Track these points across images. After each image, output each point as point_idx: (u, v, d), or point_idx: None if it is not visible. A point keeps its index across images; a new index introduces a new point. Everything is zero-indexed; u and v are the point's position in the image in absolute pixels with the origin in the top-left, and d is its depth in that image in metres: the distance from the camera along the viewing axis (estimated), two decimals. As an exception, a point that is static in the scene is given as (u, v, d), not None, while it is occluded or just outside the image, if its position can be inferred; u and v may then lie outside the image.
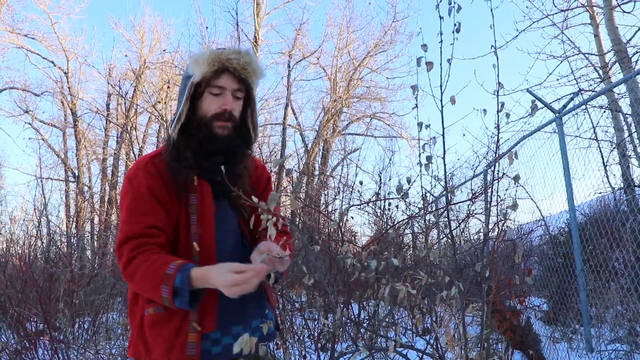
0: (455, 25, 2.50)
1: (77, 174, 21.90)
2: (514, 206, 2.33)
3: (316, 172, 20.42)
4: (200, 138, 1.70)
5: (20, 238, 10.29)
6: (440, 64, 2.45)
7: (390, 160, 16.78)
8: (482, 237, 2.70)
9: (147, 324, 1.63)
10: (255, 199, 1.50)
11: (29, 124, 22.03)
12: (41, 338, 5.07)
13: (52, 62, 22.30)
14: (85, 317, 5.88)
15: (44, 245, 8.75)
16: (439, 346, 2.49)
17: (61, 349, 4.75)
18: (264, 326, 1.65)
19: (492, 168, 2.66)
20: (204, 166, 1.71)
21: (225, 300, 1.57)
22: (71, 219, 19.53)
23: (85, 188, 22.02)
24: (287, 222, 1.72)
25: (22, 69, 37.98)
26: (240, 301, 1.54)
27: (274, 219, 1.51)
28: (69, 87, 22.34)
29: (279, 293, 4.37)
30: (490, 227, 2.73)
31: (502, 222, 2.69)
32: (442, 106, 2.49)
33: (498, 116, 2.57)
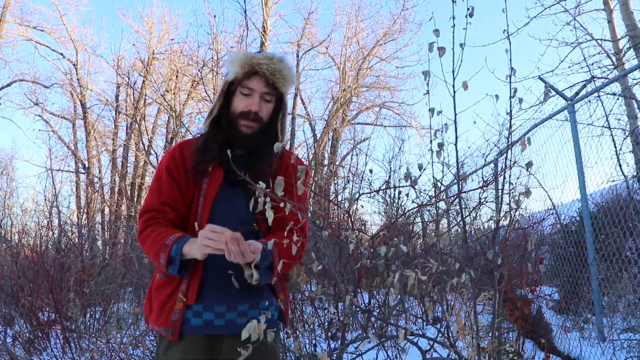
0: (468, 9, 2.46)
1: (87, 165, 22.02)
2: (527, 193, 2.30)
3: (325, 162, 20.39)
4: (227, 132, 1.85)
5: (32, 229, 10.39)
6: (453, 49, 2.41)
7: (400, 149, 16.70)
8: (493, 225, 2.67)
9: (154, 287, 1.86)
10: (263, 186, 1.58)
11: (39, 116, 22.17)
12: (53, 327, 5.11)
13: (61, 54, 22.41)
14: (96, 307, 5.91)
15: (55, 236, 8.81)
16: (450, 334, 2.47)
17: (73, 338, 4.79)
18: (263, 316, 1.67)
19: (505, 155, 2.63)
20: (225, 155, 1.78)
21: (210, 280, 1.77)
22: (82, 210, 19.68)
23: (96, 179, 22.14)
24: (306, 217, 1.78)
25: (31, 61, 38.26)
26: (224, 283, 1.74)
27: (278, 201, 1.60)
28: (78, 79, 22.43)
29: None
30: (502, 215, 2.69)
31: (515, 209, 2.66)
32: (454, 92, 2.45)
33: (511, 102, 2.53)
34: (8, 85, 21.48)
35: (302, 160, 2.04)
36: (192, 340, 1.77)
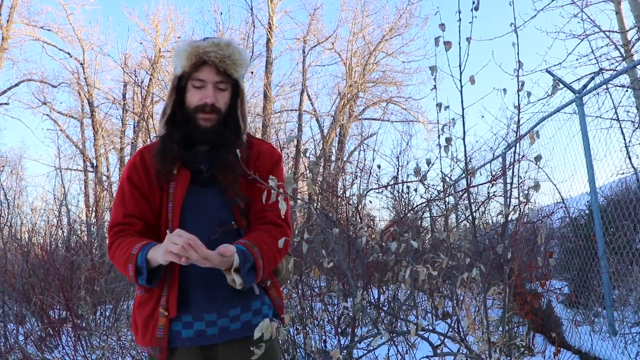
0: (473, 3, 2.44)
1: (95, 164, 22.14)
2: (536, 187, 2.29)
3: (333, 158, 20.38)
4: (186, 130, 1.76)
5: (41, 228, 10.44)
6: (459, 43, 2.40)
7: (407, 144, 16.68)
8: (502, 220, 2.66)
9: (135, 304, 1.79)
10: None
11: (47, 115, 22.30)
12: (64, 325, 5.15)
13: (69, 53, 22.52)
14: (106, 305, 5.95)
15: (65, 235, 8.84)
16: (460, 329, 2.46)
17: (84, 336, 4.82)
18: (258, 330, 1.64)
19: (513, 149, 2.62)
20: (188, 156, 1.75)
21: (196, 288, 1.69)
22: (90, 208, 19.77)
23: (104, 177, 22.25)
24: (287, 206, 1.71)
25: (39, 61, 38.36)
26: (210, 289, 1.68)
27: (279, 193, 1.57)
28: (85, 78, 22.54)
29: (298, 278, 4.38)
30: (511, 209, 2.69)
31: (524, 203, 2.65)
32: (461, 86, 2.44)
33: (519, 95, 2.52)
34: (16, 85, 21.62)
35: (275, 147, 1.97)
36: (184, 355, 1.71)
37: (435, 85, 2.39)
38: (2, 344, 4.86)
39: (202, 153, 1.77)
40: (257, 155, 1.83)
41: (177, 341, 1.69)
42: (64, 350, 4.87)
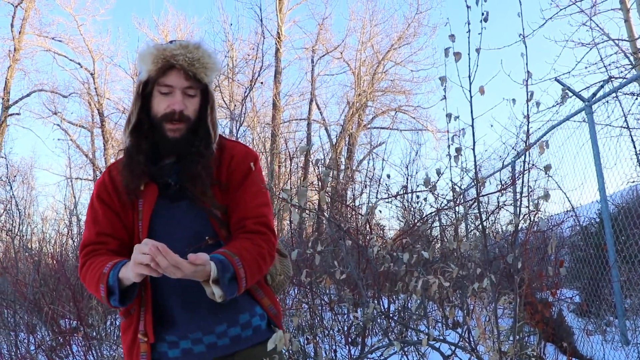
0: (482, 14, 2.46)
1: (104, 174, 22.21)
2: (546, 196, 2.29)
3: (342, 167, 20.40)
4: (152, 140, 1.64)
5: (52, 237, 10.52)
6: (469, 54, 2.42)
7: (417, 153, 16.67)
8: (512, 229, 2.66)
9: (121, 330, 1.68)
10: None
11: (58, 125, 22.47)
12: (75, 334, 5.17)
13: (79, 63, 22.70)
14: (116, 314, 5.97)
15: (75, 244, 8.90)
16: (471, 339, 2.46)
17: (94, 346, 4.84)
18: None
19: (523, 158, 2.62)
20: (155, 169, 1.64)
21: (176, 306, 1.58)
22: (101, 218, 19.83)
23: (114, 187, 22.31)
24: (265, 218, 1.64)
25: (50, 72, 38.68)
26: (192, 306, 1.57)
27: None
28: (95, 88, 22.71)
29: (308, 288, 4.38)
30: (521, 218, 2.69)
31: (534, 212, 2.65)
32: (471, 97, 2.45)
33: (528, 105, 2.53)
34: (28, 95, 21.80)
35: (250, 147, 1.83)
36: None
37: (444, 96, 2.41)
38: (13, 353, 4.89)
39: (169, 165, 1.66)
40: (229, 159, 1.70)
41: None
42: (75, 360, 4.89)
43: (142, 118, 1.64)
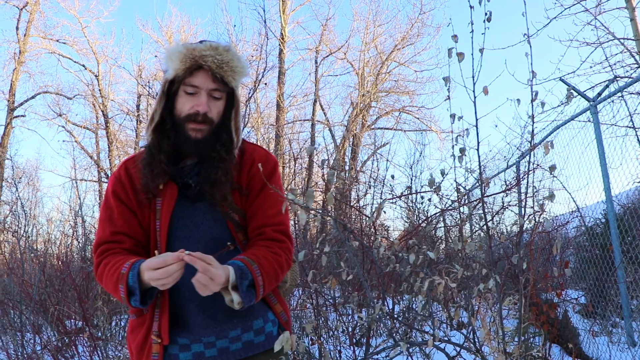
0: (486, 14, 2.45)
1: (109, 175, 22.31)
2: (551, 197, 2.29)
3: (346, 167, 20.38)
4: (174, 140, 1.61)
5: (57, 238, 10.54)
6: (472, 54, 2.41)
7: (421, 153, 16.64)
8: (517, 229, 2.65)
9: (128, 329, 1.67)
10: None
11: (63, 126, 22.55)
12: (80, 335, 5.19)
13: (83, 65, 22.77)
14: (122, 315, 5.98)
15: (81, 245, 8.92)
16: (476, 340, 2.46)
17: (99, 346, 4.85)
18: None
19: (528, 158, 2.61)
20: (175, 170, 1.63)
21: (190, 309, 1.57)
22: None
23: (119, 188, 22.36)
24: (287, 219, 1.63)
25: (54, 74, 39.03)
26: (207, 310, 1.56)
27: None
28: (99, 90, 22.78)
29: (313, 289, 4.38)
30: (526, 218, 2.68)
31: (539, 213, 2.64)
32: (474, 97, 2.45)
33: (532, 105, 2.53)
34: (32, 97, 21.91)
35: (270, 152, 1.79)
36: None
37: (449, 96, 2.40)
38: (20, 353, 4.90)
39: (189, 166, 1.64)
40: (250, 164, 1.68)
41: None
42: (81, 360, 4.90)
43: (165, 117, 1.62)
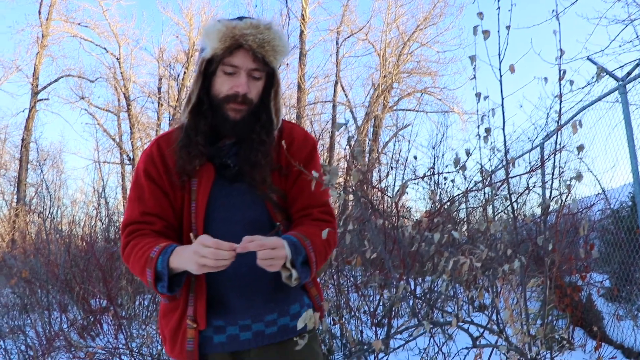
0: (513, -10, 2.39)
1: (132, 157, 22.57)
2: (579, 177, 2.24)
3: (367, 149, 20.32)
4: (212, 121, 1.56)
5: (82, 220, 10.72)
6: (498, 32, 2.36)
7: (443, 135, 16.48)
8: (541, 211, 2.62)
9: (160, 313, 1.64)
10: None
11: (85, 109, 22.88)
12: (105, 314, 5.29)
13: (105, 48, 22.98)
14: (145, 294, 6.08)
15: (104, 226, 9.06)
16: (499, 321, 2.44)
17: (124, 325, 4.94)
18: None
19: (554, 138, 2.57)
20: (212, 150, 1.58)
21: (228, 292, 1.53)
22: (128, 201, 20.16)
23: (141, 170, 22.65)
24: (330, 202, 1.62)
25: (76, 57, 39.28)
26: (245, 292, 1.52)
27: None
28: (121, 72, 22.99)
29: (334, 269, 4.39)
30: (551, 199, 2.64)
31: (566, 194, 2.60)
32: (500, 75, 2.40)
33: (560, 84, 2.47)
34: (55, 80, 22.23)
35: (308, 132, 1.75)
36: None
37: (474, 75, 2.36)
38: (47, 330, 5.02)
39: (227, 146, 1.59)
40: (290, 142, 1.62)
41: (208, 347, 1.55)
42: (106, 338, 5.00)
43: (203, 97, 1.56)
